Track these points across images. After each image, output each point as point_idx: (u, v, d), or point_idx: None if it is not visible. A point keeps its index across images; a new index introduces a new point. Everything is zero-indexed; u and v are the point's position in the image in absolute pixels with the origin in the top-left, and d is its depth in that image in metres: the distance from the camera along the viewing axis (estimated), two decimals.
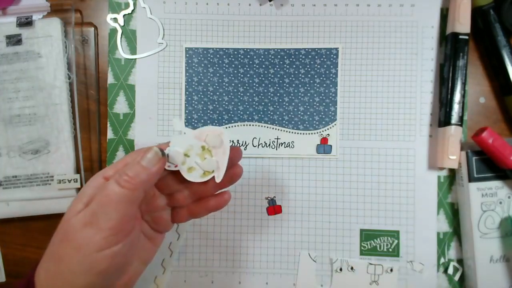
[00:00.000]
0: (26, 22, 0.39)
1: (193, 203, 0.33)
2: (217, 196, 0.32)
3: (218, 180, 0.30)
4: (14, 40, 0.40)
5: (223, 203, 0.32)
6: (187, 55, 0.41)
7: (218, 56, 0.41)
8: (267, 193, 0.41)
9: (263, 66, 0.41)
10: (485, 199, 0.37)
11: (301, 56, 0.41)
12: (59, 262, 0.26)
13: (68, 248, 0.26)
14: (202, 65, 0.41)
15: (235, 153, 0.31)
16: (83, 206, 0.27)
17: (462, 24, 0.38)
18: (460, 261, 0.40)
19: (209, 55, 0.41)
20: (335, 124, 0.41)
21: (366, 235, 0.40)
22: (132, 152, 0.30)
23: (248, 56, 0.41)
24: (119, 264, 0.28)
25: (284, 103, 0.41)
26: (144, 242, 0.32)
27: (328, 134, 0.41)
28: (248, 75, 0.41)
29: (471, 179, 0.37)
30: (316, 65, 0.41)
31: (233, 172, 0.32)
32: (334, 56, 0.41)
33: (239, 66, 0.41)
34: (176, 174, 0.31)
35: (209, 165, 0.30)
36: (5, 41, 0.40)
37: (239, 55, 0.41)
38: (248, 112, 0.41)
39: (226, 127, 0.41)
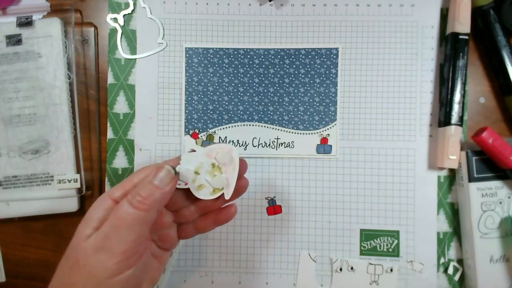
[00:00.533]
0: (26, 22, 0.39)
1: (200, 218, 0.33)
2: (224, 210, 0.32)
3: (227, 197, 0.30)
4: (14, 40, 0.40)
5: (230, 216, 0.32)
6: (187, 55, 0.41)
7: (218, 56, 0.41)
8: (267, 193, 0.41)
9: (263, 66, 0.41)
10: (485, 199, 0.37)
11: (301, 56, 0.41)
12: None
13: (80, 276, 0.25)
14: (202, 65, 0.41)
15: (241, 166, 0.31)
16: (92, 230, 0.26)
17: (462, 24, 0.38)
18: (460, 261, 0.40)
19: (209, 55, 0.41)
20: (335, 124, 0.41)
21: (366, 235, 0.40)
22: (137, 171, 0.30)
23: (248, 56, 0.41)
24: (132, 287, 0.27)
25: (284, 103, 0.41)
26: (152, 262, 0.31)
27: (328, 134, 0.41)
28: (248, 75, 0.41)
29: (471, 179, 0.37)
30: (316, 65, 0.41)
31: (239, 185, 0.32)
32: (334, 56, 0.41)
33: (239, 66, 0.41)
34: (183, 190, 0.31)
35: (219, 182, 0.30)
36: (5, 41, 0.40)
37: (239, 55, 0.41)
38: (248, 112, 0.41)
39: (226, 127, 0.41)
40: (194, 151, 0.31)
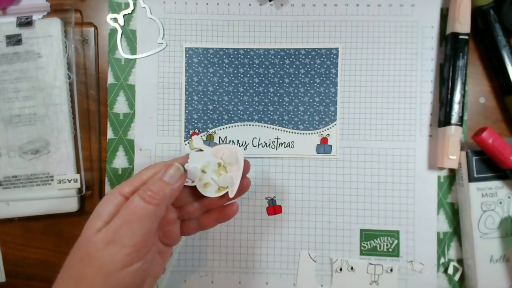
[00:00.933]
0: (26, 22, 0.39)
1: (202, 215, 0.34)
2: (225, 208, 0.33)
3: (231, 195, 0.32)
4: (14, 40, 0.40)
5: (231, 214, 0.33)
6: (187, 55, 0.41)
7: (218, 56, 0.41)
8: (267, 193, 0.41)
9: (263, 66, 0.41)
10: (485, 199, 0.37)
11: (301, 56, 0.41)
12: (80, 282, 0.26)
13: (91, 268, 0.25)
14: (202, 65, 0.41)
15: (244, 166, 0.33)
16: (103, 224, 0.26)
17: (462, 24, 0.38)
18: (460, 261, 0.40)
19: (209, 55, 0.41)
20: (335, 124, 0.41)
21: (366, 235, 0.40)
22: (146, 168, 0.30)
23: (248, 56, 0.41)
24: (139, 281, 0.28)
25: (284, 103, 0.41)
26: (156, 257, 0.32)
27: (328, 134, 0.41)
28: (248, 75, 0.41)
29: (471, 179, 0.37)
30: (316, 65, 0.41)
31: (241, 184, 0.33)
32: (334, 56, 0.41)
33: (239, 66, 0.41)
34: (188, 188, 0.32)
35: (225, 181, 0.32)
36: (5, 41, 0.40)
37: (239, 55, 0.41)
38: (248, 112, 0.41)
39: (226, 127, 0.41)
40: (202, 150, 0.32)
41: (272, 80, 0.41)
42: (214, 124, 0.41)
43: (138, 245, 0.26)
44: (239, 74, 0.41)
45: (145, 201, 0.27)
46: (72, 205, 0.40)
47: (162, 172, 0.28)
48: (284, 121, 0.41)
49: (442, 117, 0.39)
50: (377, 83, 0.41)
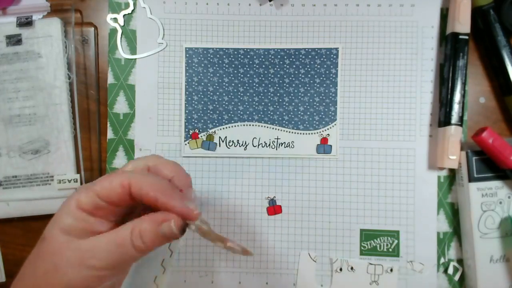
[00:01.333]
0: (26, 22, 0.39)
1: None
2: None
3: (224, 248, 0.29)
4: (14, 40, 0.40)
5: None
6: (187, 55, 0.41)
7: (218, 56, 0.41)
8: (267, 193, 0.41)
9: (263, 66, 0.41)
10: (485, 199, 0.37)
11: (301, 56, 0.41)
12: None
13: (55, 283, 0.25)
14: (202, 65, 0.41)
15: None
16: (72, 237, 0.25)
17: (462, 24, 0.38)
18: (460, 261, 0.40)
19: (209, 55, 0.41)
20: (335, 124, 0.41)
21: (366, 235, 0.40)
22: (103, 178, 0.28)
23: (248, 56, 0.41)
24: None
25: (284, 103, 0.41)
26: None
27: (328, 134, 0.41)
28: (248, 75, 0.41)
29: (471, 179, 0.37)
30: (316, 65, 0.41)
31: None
32: (334, 56, 0.41)
33: (239, 66, 0.41)
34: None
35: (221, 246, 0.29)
36: (5, 41, 0.40)
37: (239, 55, 0.41)
38: (248, 112, 0.41)
39: (226, 127, 0.41)
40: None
41: (272, 80, 0.41)
42: (214, 124, 0.41)
43: (115, 273, 0.26)
44: (239, 74, 0.41)
45: (136, 249, 0.26)
46: None
47: (159, 224, 0.26)
48: (284, 121, 0.41)
49: (442, 117, 0.39)
50: (377, 83, 0.41)
